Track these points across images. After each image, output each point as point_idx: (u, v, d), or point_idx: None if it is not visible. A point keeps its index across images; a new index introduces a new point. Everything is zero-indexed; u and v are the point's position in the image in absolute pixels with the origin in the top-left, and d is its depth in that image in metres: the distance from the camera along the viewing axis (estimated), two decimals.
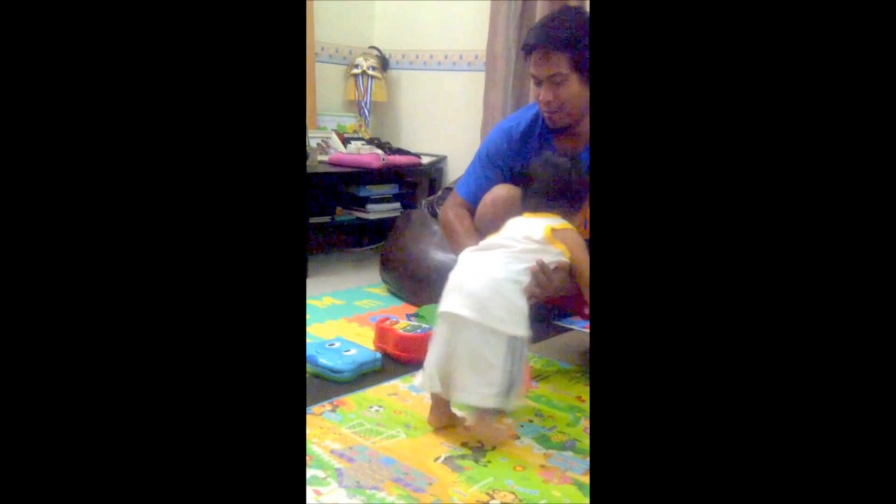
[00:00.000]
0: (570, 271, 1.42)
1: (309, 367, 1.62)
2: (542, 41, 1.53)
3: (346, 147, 2.88)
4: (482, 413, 1.33)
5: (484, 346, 1.28)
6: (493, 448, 1.34)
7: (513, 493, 1.19)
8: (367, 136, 3.07)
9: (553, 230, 1.40)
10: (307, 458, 1.26)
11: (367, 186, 2.90)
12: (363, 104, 3.14)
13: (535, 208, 1.47)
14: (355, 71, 3.12)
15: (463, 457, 1.30)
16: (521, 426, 1.44)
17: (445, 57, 3.06)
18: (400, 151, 2.96)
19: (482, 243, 1.43)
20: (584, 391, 1.63)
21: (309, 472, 1.21)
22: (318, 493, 1.15)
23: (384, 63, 3.16)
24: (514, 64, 2.66)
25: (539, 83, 1.57)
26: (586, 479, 1.24)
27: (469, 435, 1.38)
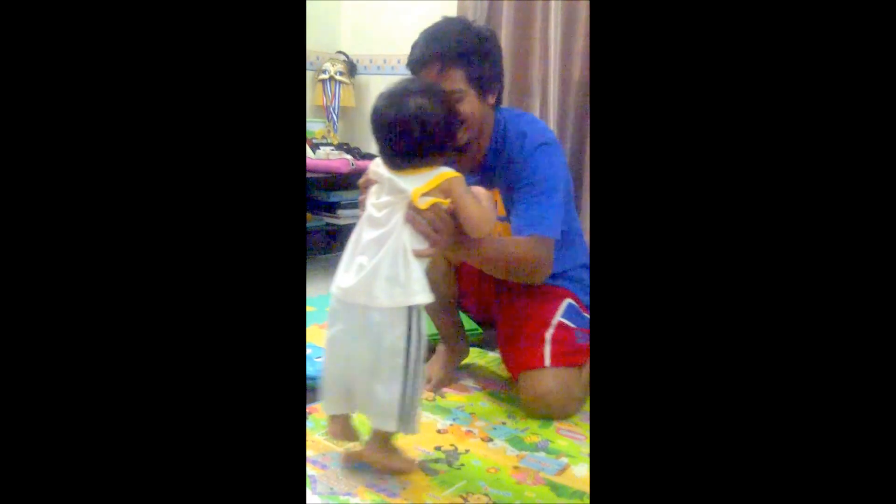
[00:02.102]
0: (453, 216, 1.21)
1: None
2: (433, 58, 1.38)
3: (314, 153, 2.87)
4: (378, 437, 1.23)
5: (380, 330, 1.15)
6: (466, 451, 1.34)
7: (486, 495, 1.19)
8: (336, 142, 3.06)
9: (423, 194, 1.16)
10: None
11: (337, 192, 2.90)
12: (331, 109, 3.14)
13: (393, 165, 1.20)
14: (323, 76, 3.11)
15: (437, 461, 1.30)
16: (494, 428, 1.45)
17: None
18: (370, 156, 2.95)
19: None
20: None
21: None
22: None
23: (352, 68, 3.16)
24: None
25: None
26: (560, 480, 1.25)
27: (442, 438, 1.39)
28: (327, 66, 3.11)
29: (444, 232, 1.19)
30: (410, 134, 1.16)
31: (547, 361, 1.50)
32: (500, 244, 1.42)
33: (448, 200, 1.18)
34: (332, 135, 3.13)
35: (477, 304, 1.75)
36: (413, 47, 1.45)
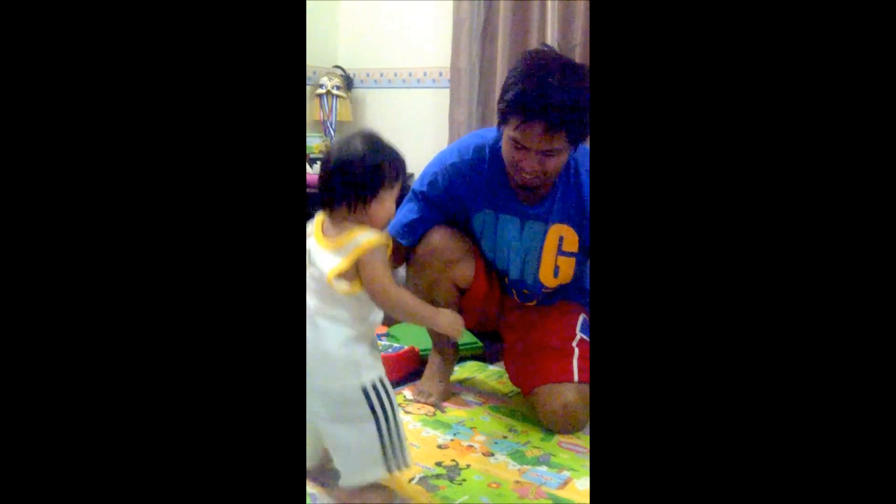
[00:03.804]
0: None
1: None
2: (544, 116, 1.29)
3: (312, 167, 2.87)
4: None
5: (338, 412, 1.10)
6: (468, 466, 1.33)
7: None
8: None
9: (337, 275, 1.08)
10: None
11: None
12: (329, 124, 3.14)
13: (322, 207, 1.16)
14: (320, 91, 3.12)
15: (437, 476, 1.29)
16: (496, 443, 1.44)
17: (410, 74, 3.07)
18: None
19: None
20: None
21: None
22: None
23: (348, 82, 3.16)
24: (479, 80, 2.68)
25: (523, 148, 1.35)
26: (562, 494, 1.24)
27: (443, 454, 1.37)
28: (324, 80, 3.11)
29: None
30: (334, 181, 1.11)
31: (575, 376, 1.49)
32: None
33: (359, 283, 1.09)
34: (328, 149, 3.13)
35: (479, 317, 1.72)
36: (513, 87, 1.33)
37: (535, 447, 1.43)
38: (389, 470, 1.12)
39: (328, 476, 1.22)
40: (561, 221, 1.50)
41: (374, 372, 1.11)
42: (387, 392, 1.11)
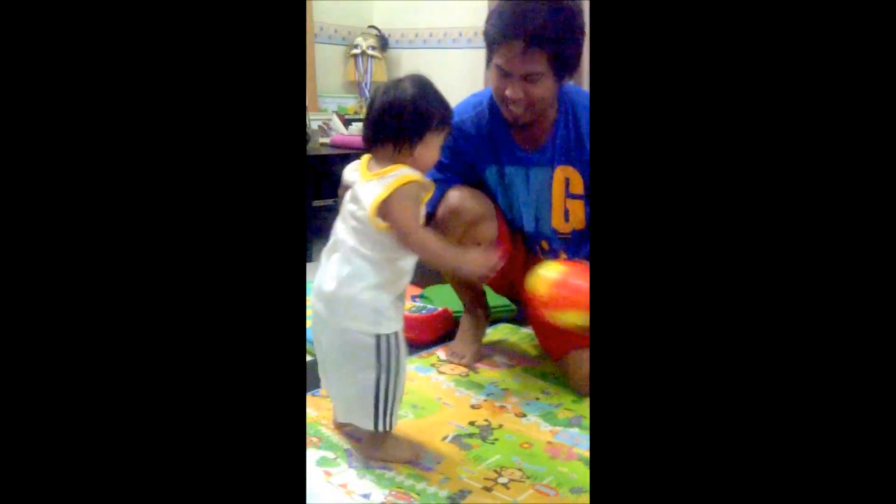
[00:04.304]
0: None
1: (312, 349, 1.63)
2: (518, 34, 1.31)
3: (347, 129, 2.87)
4: (370, 434, 1.20)
5: (345, 350, 1.14)
6: (500, 426, 1.35)
7: (520, 470, 1.20)
8: None
9: (381, 202, 1.10)
10: (316, 439, 1.27)
11: None
12: (364, 85, 3.13)
13: (366, 146, 1.19)
14: (355, 51, 3.11)
15: (470, 435, 1.31)
16: (528, 404, 1.46)
17: (445, 34, 3.04)
18: None
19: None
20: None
21: (318, 454, 1.23)
22: (328, 473, 1.17)
23: (384, 43, 3.15)
24: None
25: (506, 76, 1.37)
26: None
27: (476, 413, 1.40)
28: (359, 40, 3.10)
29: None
30: (382, 120, 1.14)
31: None
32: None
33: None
34: (364, 110, 3.12)
35: (507, 282, 1.71)
36: (492, 17, 1.38)
37: (567, 409, 1.44)
38: (375, 426, 1.15)
39: (360, 433, 1.25)
40: (564, 163, 1.49)
41: (394, 325, 1.14)
42: (398, 348, 1.14)
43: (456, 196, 1.54)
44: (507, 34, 1.33)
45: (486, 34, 1.39)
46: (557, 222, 1.56)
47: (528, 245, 1.66)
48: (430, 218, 1.55)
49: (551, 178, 1.51)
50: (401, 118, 1.12)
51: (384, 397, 1.14)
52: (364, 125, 1.18)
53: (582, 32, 1.39)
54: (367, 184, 1.13)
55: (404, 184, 1.10)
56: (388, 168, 1.12)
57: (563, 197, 1.52)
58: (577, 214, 1.54)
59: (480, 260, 1.19)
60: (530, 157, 1.51)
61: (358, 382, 1.14)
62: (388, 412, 1.15)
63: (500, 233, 1.59)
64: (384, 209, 1.10)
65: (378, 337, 1.12)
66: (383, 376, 1.13)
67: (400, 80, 1.17)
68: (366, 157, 1.18)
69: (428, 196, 1.17)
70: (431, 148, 1.17)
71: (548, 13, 1.32)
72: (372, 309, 1.12)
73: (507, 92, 1.38)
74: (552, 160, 1.50)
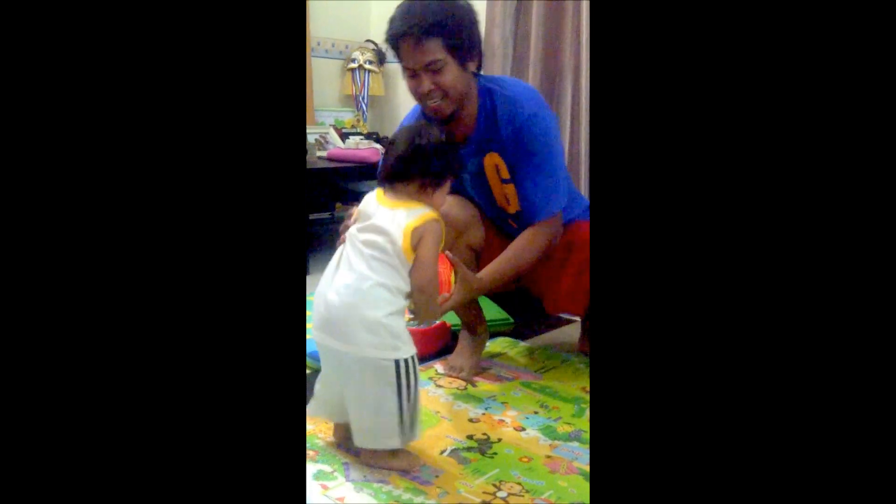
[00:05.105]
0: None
1: (312, 363, 1.62)
2: (411, 29, 1.40)
3: (344, 142, 2.87)
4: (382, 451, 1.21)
5: (366, 378, 1.16)
6: (499, 440, 1.34)
7: (519, 484, 1.19)
8: (365, 131, 3.06)
9: (414, 230, 1.18)
10: (313, 452, 1.26)
11: (367, 181, 2.89)
12: (360, 98, 3.14)
13: (387, 179, 1.26)
14: (352, 65, 3.11)
15: (469, 449, 1.30)
16: (527, 418, 1.45)
17: None
18: None
19: (347, 234, 1.26)
20: (588, 382, 1.63)
21: (316, 467, 1.21)
22: (325, 487, 1.15)
23: (381, 57, 3.15)
24: (512, 55, 2.65)
25: (414, 75, 1.45)
26: None
27: (475, 427, 1.38)
28: (356, 54, 3.11)
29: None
30: (414, 158, 1.23)
31: None
32: (516, 258, 1.50)
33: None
34: (361, 124, 3.12)
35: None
36: (390, 22, 1.47)
37: (567, 423, 1.43)
38: (402, 442, 1.19)
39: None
40: (491, 150, 1.55)
41: (410, 349, 1.18)
42: (415, 370, 1.18)
43: (444, 206, 1.56)
44: (402, 32, 1.42)
45: (388, 40, 1.48)
46: (502, 203, 1.63)
47: (500, 228, 1.71)
48: None
49: (482, 164, 1.58)
50: (431, 160, 1.23)
51: (409, 416, 1.17)
52: (388, 157, 1.27)
53: (472, 19, 1.47)
54: (392, 212, 1.20)
55: (434, 219, 1.20)
56: (413, 203, 1.22)
57: (499, 182, 1.58)
58: (514, 197, 1.59)
59: (437, 310, 1.32)
60: (463, 149, 1.56)
61: (382, 407, 1.16)
62: (412, 427, 1.19)
63: (486, 230, 1.67)
64: (416, 237, 1.18)
65: (397, 362, 1.15)
66: (404, 397, 1.16)
67: (427, 127, 1.29)
68: (380, 190, 1.26)
69: (443, 242, 1.25)
70: (445, 194, 1.29)
71: (434, 6, 1.42)
72: (391, 335, 1.15)
73: (419, 88, 1.45)
74: (480, 149, 1.55)
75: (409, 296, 1.21)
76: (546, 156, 1.50)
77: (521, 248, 1.50)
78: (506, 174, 1.57)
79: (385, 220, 1.19)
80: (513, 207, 1.60)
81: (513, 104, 1.49)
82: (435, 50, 1.41)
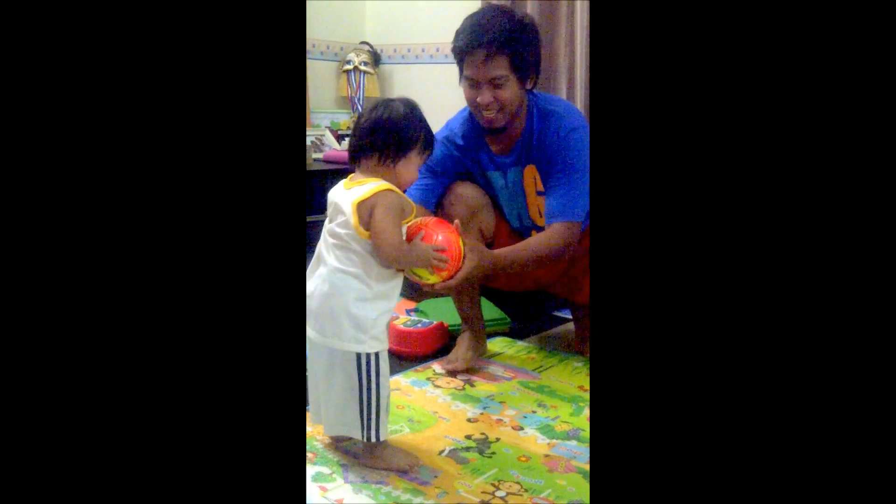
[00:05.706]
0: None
1: None
2: (483, 43, 1.47)
3: (340, 144, 2.87)
4: (367, 444, 1.21)
5: (331, 367, 1.18)
6: (497, 440, 1.34)
7: (518, 483, 1.19)
8: None
9: (360, 204, 1.15)
10: (312, 455, 1.26)
11: None
12: (356, 100, 3.14)
13: (352, 155, 1.24)
14: (347, 67, 3.11)
15: (467, 449, 1.30)
16: (525, 417, 1.45)
17: (437, 50, 3.04)
18: None
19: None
20: (586, 381, 1.63)
21: (314, 469, 1.21)
22: (323, 489, 1.15)
23: (376, 58, 3.15)
24: None
25: (476, 85, 1.51)
26: None
27: (473, 427, 1.39)
28: (351, 56, 3.11)
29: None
30: (372, 132, 1.20)
31: None
32: (531, 248, 1.54)
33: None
34: None
35: (512, 279, 1.76)
36: (458, 34, 1.52)
37: (565, 422, 1.43)
38: (364, 437, 1.18)
39: (357, 447, 1.24)
40: (530, 163, 1.63)
41: (377, 346, 1.17)
42: (377, 369, 1.17)
43: (460, 186, 1.69)
44: (472, 45, 1.49)
45: (454, 50, 1.54)
46: (534, 216, 1.70)
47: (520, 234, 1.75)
48: (438, 206, 1.68)
49: (522, 176, 1.66)
50: (390, 134, 1.19)
51: (368, 411, 1.17)
52: (352, 136, 1.25)
53: (537, 39, 1.56)
54: (347, 192, 1.19)
55: (385, 190, 1.16)
56: (370, 178, 1.19)
57: (535, 194, 1.66)
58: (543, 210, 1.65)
59: (424, 256, 1.24)
60: (504, 160, 1.65)
61: (344, 397, 1.17)
62: (375, 424, 1.18)
63: (498, 224, 1.73)
64: (364, 211, 1.14)
65: (359, 356, 1.15)
66: (364, 393, 1.16)
67: (392, 100, 1.24)
68: (349, 176, 1.24)
69: (410, 220, 1.21)
70: (411, 168, 1.23)
71: (505, 23, 1.49)
72: (354, 326, 1.15)
73: (479, 99, 1.52)
74: (521, 160, 1.64)
75: (400, 270, 1.21)
76: (578, 167, 1.55)
77: (538, 241, 1.57)
78: (541, 187, 1.64)
79: (343, 202, 1.17)
80: (543, 220, 1.65)
81: (557, 119, 1.57)
82: (501, 66, 1.49)
